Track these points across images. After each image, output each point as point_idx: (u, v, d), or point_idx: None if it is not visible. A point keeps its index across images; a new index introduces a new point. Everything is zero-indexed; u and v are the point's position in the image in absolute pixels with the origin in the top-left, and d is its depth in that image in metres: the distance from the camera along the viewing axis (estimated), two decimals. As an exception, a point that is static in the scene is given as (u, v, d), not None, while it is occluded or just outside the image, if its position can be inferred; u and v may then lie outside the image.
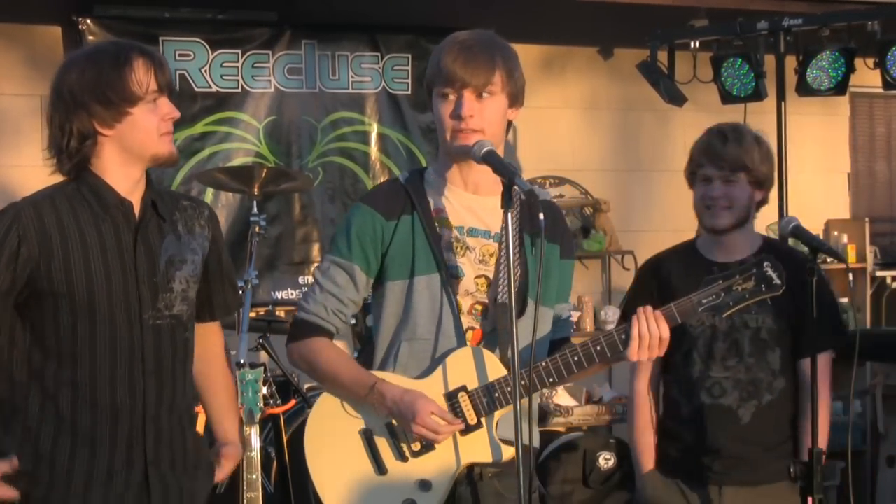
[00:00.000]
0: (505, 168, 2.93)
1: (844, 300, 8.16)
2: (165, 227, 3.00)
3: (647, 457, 3.81)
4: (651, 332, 3.01)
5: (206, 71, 7.15)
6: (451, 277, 3.07)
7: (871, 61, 6.45)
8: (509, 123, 3.14)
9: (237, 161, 7.13)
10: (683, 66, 6.93)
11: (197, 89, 7.11)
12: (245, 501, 3.89)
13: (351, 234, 3.10)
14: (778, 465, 3.63)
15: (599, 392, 6.98)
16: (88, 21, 6.82)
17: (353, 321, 4.55)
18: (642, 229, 8.04)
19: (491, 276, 3.10)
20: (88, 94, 2.86)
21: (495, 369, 3.04)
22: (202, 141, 7.15)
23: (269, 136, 7.31)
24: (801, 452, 3.65)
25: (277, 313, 6.12)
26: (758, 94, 6.62)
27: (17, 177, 6.53)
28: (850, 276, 8.20)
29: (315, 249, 7.40)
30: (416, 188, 3.13)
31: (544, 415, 6.56)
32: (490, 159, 2.96)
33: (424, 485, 3.04)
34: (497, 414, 3.04)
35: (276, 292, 7.24)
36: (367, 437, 3.08)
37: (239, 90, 7.24)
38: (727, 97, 6.72)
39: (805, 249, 3.42)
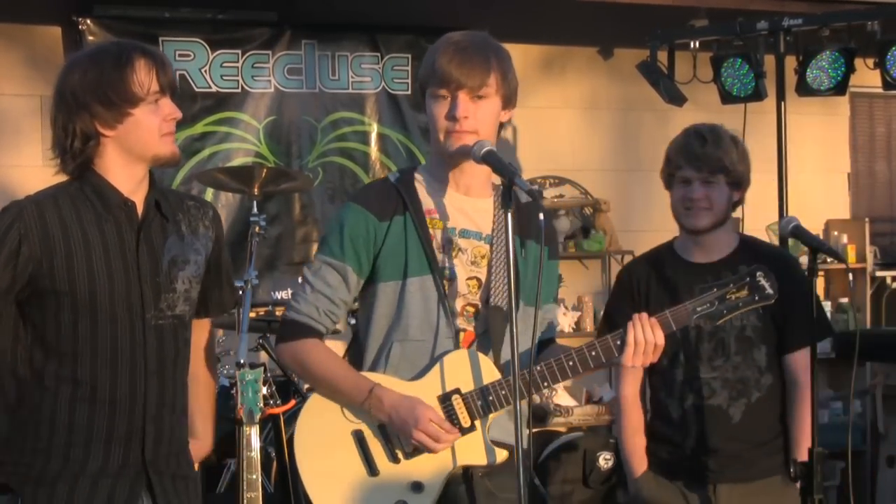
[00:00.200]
0: (505, 168, 2.93)
1: (844, 300, 8.18)
2: (169, 227, 3.00)
3: (638, 460, 3.81)
4: (647, 338, 3.04)
5: (205, 71, 7.15)
6: (443, 279, 3.06)
7: (870, 61, 6.45)
8: (501, 125, 3.13)
9: (237, 161, 7.12)
10: (683, 66, 6.93)
11: (197, 89, 7.11)
12: (245, 501, 3.88)
13: (343, 235, 3.08)
14: (770, 461, 3.67)
15: (599, 392, 6.99)
16: (88, 21, 6.81)
17: (352, 321, 4.54)
18: (642, 229, 8.02)
19: (482, 277, 3.10)
20: (90, 94, 2.86)
21: (489, 372, 3.04)
22: (202, 141, 7.14)
23: (269, 136, 7.30)
24: (791, 447, 3.66)
25: (277, 313, 6.10)
26: (758, 94, 6.62)
27: (17, 177, 6.52)
28: (850, 277, 8.21)
29: (315, 249, 7.37)
30: (407, 188, 3.11)
31: (544, 415, 6.56)
32: (490, 159, 2.97)
33: (417, 486, 3.03)
34: (490, 416, 3.03)
35: (276, 292, 7.21)
36: (359, 439, 3.06)
37: (239, 90, 7.24)
38: (727, 97, 6.72)
39: (805, 248, 3.42)
